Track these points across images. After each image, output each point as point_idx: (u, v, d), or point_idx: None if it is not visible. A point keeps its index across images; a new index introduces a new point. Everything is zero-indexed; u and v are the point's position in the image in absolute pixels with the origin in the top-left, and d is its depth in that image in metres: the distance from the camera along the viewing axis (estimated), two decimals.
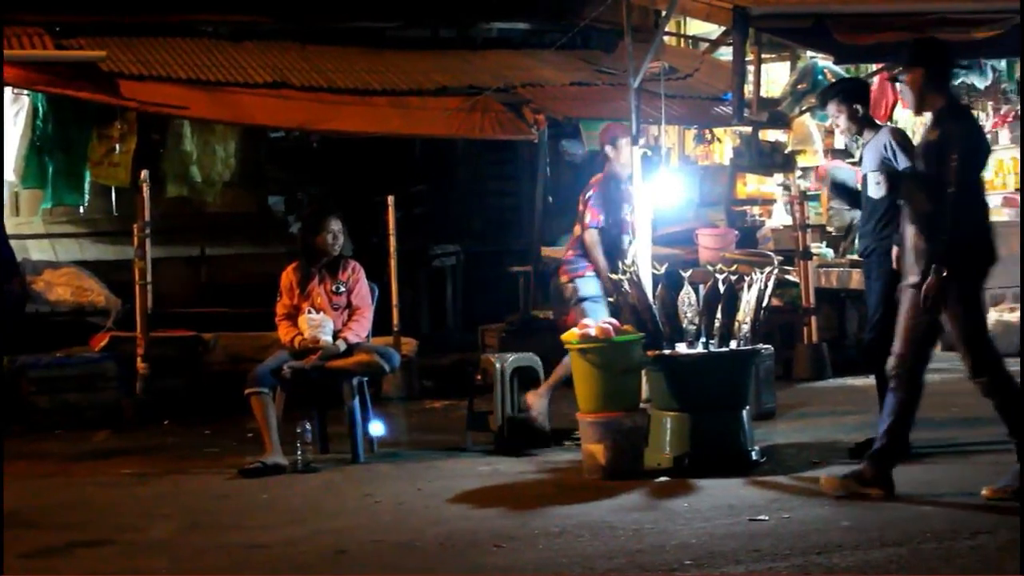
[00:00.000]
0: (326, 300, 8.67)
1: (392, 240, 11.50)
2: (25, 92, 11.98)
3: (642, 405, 7.84)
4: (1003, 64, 13.98)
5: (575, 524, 6.35)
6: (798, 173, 14.13)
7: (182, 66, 12.73)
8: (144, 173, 11.18)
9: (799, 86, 13.38)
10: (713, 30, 14.86)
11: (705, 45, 15.40)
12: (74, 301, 11.87)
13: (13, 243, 10.08)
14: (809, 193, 13.93)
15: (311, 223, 8.86)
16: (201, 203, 13.53)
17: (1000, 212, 14.35)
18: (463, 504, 7.09)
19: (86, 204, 12.78)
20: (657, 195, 9.19)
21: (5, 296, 9.28)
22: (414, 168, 15.45)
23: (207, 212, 13.73)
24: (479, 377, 9.15)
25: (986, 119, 14.81)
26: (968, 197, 6.56)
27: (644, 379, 7.95)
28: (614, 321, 7.86)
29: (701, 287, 7.95)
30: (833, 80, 12.09)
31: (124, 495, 7.82)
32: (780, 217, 13.86)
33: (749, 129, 13.79)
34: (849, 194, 8.61)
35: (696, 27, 15.79)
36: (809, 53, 13.64)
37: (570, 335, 7.80)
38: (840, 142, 13.44)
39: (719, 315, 7.84)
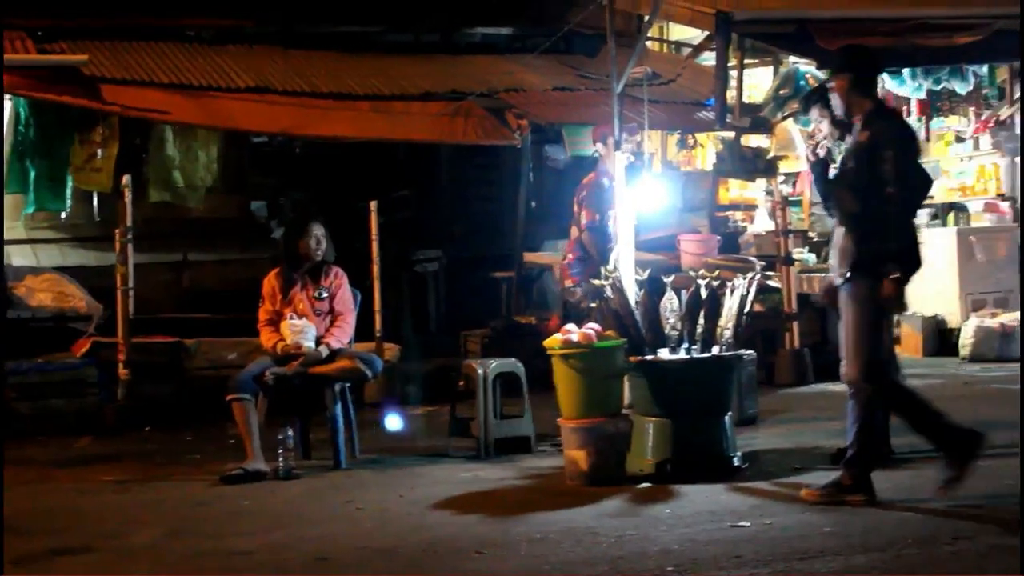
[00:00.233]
0: (308, 306, 8.66)
1: (375, 245, 11.48)
2: (7, 97, 11.94)
3: (624, 411, 7.85)
4: (984, 70, 14.03)
5: (557, 530, 6.35)
6: (780, 178, 14.17)
7: (164, 70, 12.70)
8: (126, 178, 11.16)
9: (781, 91, 13.41)
10: (696, 35, 14.89)
11: (688, 50, 15.43)
12: (56, 307, 11.82)
13: None
14: (791, 199, 13.97)
15: (294, 228, 8.85)
16: (183, 208, 13.47)
17: (981, 218, 14.42)
18: (445, 510, 7.08)
19: (68, 210, 12.73)
20: (640, 200, 9.20)
21: None
22: (397, 173, 15.43)
23: (189, 217, 13.67)
24: (462, 383, 9.15)
25: (968, 124, 14.88)
26: (909, 197, 6.64)
27: (626, 385, 7.96)
28: (596, 326, 7.87)
29: (683, 292, 7.96)
30: (815, 85, 12.11)
31: (106, 501, 7.80)
32: (762, 222, 13.88)
33: (732, 134, 13.81)
34: None
35: (679, 32, 15.82)
36: (791, 58, 13.68)
37: (552, 341, 7.80)
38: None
39: (701, 321, 7.86)
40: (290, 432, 8.29)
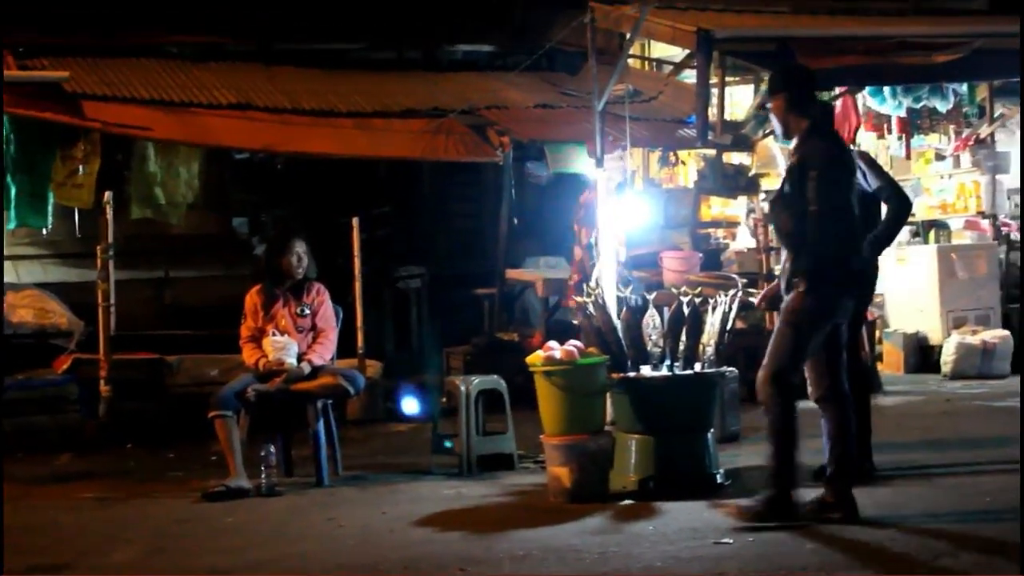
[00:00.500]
0: (290, 322, 8.65)
1: (357, 262, 11.48)
2: None
3: (607, 428, 7.85)
4: (964, 88, 14.10)
5: (540, 547, 6.34)
6: (762, 196, 14.19)
7: (146, 87, 12.68)
8: (108, 194, 11.14)
9: (762, 109, 13.43)
10: (677, 53, 14.91)
11: (669, 68, 15.45)
12: (36, 323, 11.79)
13: None
14: None
15: (276, 245, 8.84)
16: (165, 225, 13.45)
17: (962, 235, 14.48)
18: (428, 528, 7.07)
19: (50, 226, 12.70)
20: (622, 218, 9.21)
21: None
22: (379, 190, 15.44)
23: (171, 234, 13.65)
24: (444, 400, 9.15)
25: (948, 143, 14.95)
26: (831, 215, 6.61)
27: (609, 402, 7.96)
28: (579, 343, 7.87)
29: (666, 309, 7.96)
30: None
31: (87, 519, 7.77)
32: (744, 240, 13.91)
33: (713, 152, 13.83)
34: None
35: (660, 50, 15.83)
36: None
37: (535, 357, 7.80)
38: None
39: (683, 338, 7.85)
40: (272, 449, 8.28)
